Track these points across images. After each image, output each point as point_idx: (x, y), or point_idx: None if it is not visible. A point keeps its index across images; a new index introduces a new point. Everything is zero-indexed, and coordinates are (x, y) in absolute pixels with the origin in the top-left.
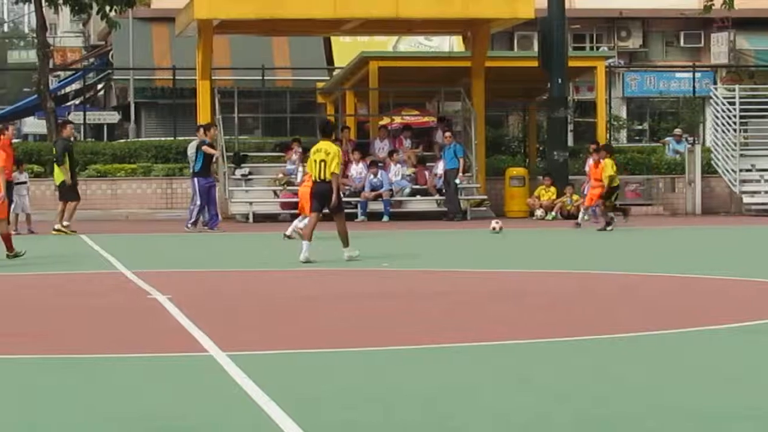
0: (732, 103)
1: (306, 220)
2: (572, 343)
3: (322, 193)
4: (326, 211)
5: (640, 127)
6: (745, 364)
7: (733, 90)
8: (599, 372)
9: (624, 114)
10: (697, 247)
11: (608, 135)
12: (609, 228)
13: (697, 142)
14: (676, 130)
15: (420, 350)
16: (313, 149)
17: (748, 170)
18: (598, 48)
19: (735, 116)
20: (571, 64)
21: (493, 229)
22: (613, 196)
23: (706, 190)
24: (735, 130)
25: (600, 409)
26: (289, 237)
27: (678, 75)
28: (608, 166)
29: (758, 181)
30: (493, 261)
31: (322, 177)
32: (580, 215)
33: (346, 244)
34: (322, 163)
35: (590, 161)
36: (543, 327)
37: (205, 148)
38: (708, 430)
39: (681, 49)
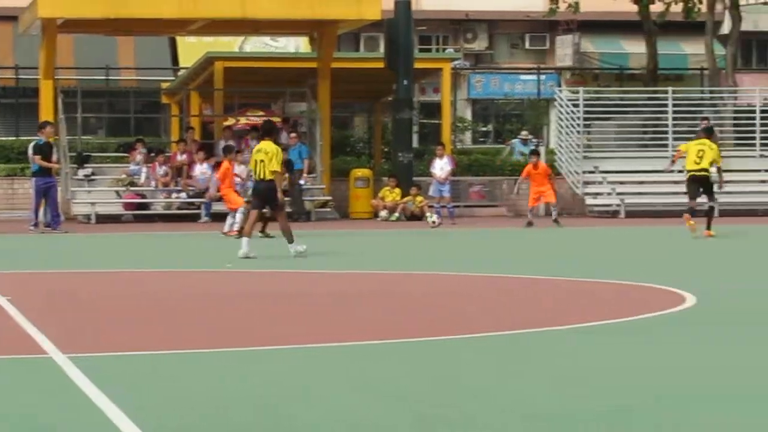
0: (576, 105)
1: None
2: (415, 344)
3: (261, 191)
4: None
5: (485, 129)
6: (583, 365)
7: (577, 92)
8: (441, 372)
9: (469, 116)
10: (536, 248)
11: (453, 136)
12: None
13: (541, 143)
14: (523, 132)
15: (264, 351)
16: (254, 149)
17: (591, 172)
18: (444, 50)
19: (579, 118)
20: (417, 65)
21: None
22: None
23: None
24: (579, 132)
25: (439, 409)
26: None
27: (523, 77)
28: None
29: (601, 182)
30: (338, 263)
31: (262, 176)
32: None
33: (290, 240)
34: (262, 163)
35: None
36: (388, 328)
37: (38, 160)
38: (540, 430)
39: (526, 51)
